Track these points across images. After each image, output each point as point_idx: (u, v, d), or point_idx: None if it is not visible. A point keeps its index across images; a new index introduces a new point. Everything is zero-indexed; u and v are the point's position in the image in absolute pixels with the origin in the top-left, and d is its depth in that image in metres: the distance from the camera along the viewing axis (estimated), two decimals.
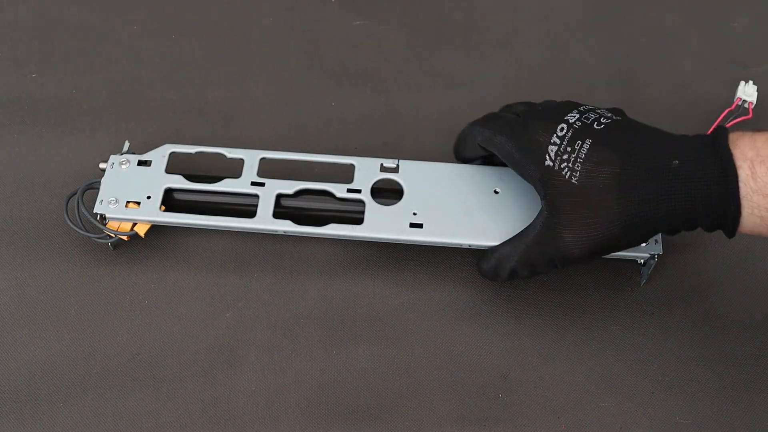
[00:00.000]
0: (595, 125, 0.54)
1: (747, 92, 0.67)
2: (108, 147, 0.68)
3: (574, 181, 0.52)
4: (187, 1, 0.77)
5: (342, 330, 0.60)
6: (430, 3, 0.77)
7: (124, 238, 0.61)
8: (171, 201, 0.62)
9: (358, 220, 0.60)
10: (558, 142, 0.53)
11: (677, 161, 0.50)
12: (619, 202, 0.51)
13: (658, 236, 0.59)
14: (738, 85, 0.67)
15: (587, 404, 0.57)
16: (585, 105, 0.56)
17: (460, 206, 0.60)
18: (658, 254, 0.59)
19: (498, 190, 0.60)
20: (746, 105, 0.67)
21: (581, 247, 0.53)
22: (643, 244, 0.58)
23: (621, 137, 0.53)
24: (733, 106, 0.67)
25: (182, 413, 0.57)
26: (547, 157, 0.53)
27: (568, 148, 0.53)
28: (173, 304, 0.61)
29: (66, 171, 0.67)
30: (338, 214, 0.61)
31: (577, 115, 0.54)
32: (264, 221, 0.60)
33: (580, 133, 0.53)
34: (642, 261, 0.60)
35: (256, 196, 0.61)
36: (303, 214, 0.61)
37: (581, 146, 0.52)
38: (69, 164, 0.67)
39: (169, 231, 0.64)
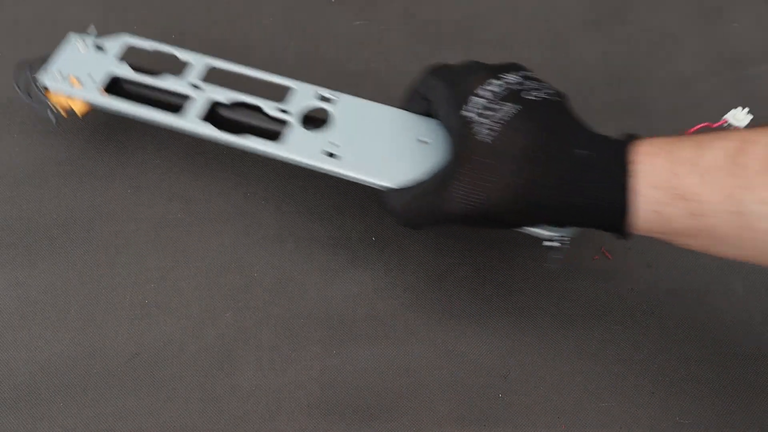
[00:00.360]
0: (531, 94, 0.52)
1: (737, 117, 0.64)
2: (109, 146, 0.68)
3: (488, 140, 0.51)
4: (187, 1, 0.77)
5: (342, 330, 0.60)
6: (430, 3, 0.77)
7: (63, 113, 0.62)
8: (117, 91, 0.63)
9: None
10: (489, 96, 0.52)
11: (585, 152, 0.49)
12: (520, 176, 0.50)
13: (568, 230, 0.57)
14: (735, 109, 0.65)
15: (587, 404, 0.57)
16: (532, 73, 0.55)
17: (383, 148, 0.59)
18: (569, 238, 0.56)
19: (428, 140, 0.60)
20: (731, 128, 0.64)
21: (465, 207, 0.51)
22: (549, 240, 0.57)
23: (548, 115, 0.52)
24: (716, 125, 0.65)
25: (182, 413, 0.57)
26: (473, 107, 0.52)
27: (495, 106, 0.52)
28: (173, 304, 0.61)
29: (66, 171, 0.67)
30: (265, 132, 0.62)
31: (519, 79, 0.53)
32: (188, 121, 0.61)
33: (513, 95, 0.52)
34: (553, 243, 0.57)
35: (191, 97, 0.62)
36: (235, 125, 0.62)
37: (509, 109, 0.51)
38: (69, 164, 0.67)
39: (170, 227, 0.64)
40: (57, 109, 0.62)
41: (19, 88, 0.62)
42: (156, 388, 0.58)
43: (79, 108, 0.62)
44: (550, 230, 0.56)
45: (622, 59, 0.74)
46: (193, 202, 0.66)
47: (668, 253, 0.63)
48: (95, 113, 0.70)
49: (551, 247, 0.57)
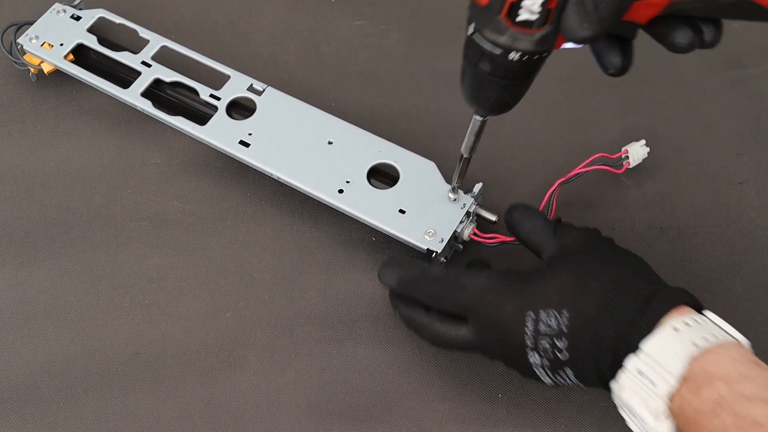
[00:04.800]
0: None
1: (636, 152, 0.63)
2: (108, 146, 0.68)
3: None
4: (188, 2, 0.77)
5: (342, 330, 0.60)
6: (430, 3, 0.77)
7: (33, 70, 0.69)
8: (82, 59, 0.70)
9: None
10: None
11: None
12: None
13: (445, 234, 0.59)
14: (638, 141, 0.64)
15: (587, 404, 0.57)
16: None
17: (292, 142, 0.63)
18: (437, 252, 0.58)
19: (335, 141, 0.63)
20: (624, 162, 0.63)
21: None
22: (427, 237, 0.58)
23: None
24: (614, 156, 0.63)
25: (182, 413, 0.57)
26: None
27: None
28: (173, 304, 0.61)
29: (65, 171, 0.67)
30: (200, 114, 0.67)
31: None
32: (130, 95, 0.66)
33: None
34: (430, 253, 0.59)
35: (139, 73, 0.67)
36: (176, 104, 0.68)
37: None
38: (69, 164, 0.67)
39: (170, 227, 0.64)
40: (26, 65, 0.69)
41: (3, 47, 0.69)
42: (156, 388, 0.58)
43: (46, 67, 0.69)
44: (418, 239, 0.58)
45: None
46: (193, 202, 0.66)
47: (666, 253, 0.63)
48: (97, 118, 0.70)
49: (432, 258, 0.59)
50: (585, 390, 0.58)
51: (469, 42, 0.45)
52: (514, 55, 0.44)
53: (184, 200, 0.66)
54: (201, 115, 0.66)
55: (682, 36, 0.44)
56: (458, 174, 0.58)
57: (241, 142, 0.63)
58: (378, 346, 0.60)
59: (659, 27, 0.44)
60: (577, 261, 0.50)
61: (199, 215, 0.65)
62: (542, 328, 0.49)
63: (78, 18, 0.70)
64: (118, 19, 0.70)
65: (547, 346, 0.49)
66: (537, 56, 0.45)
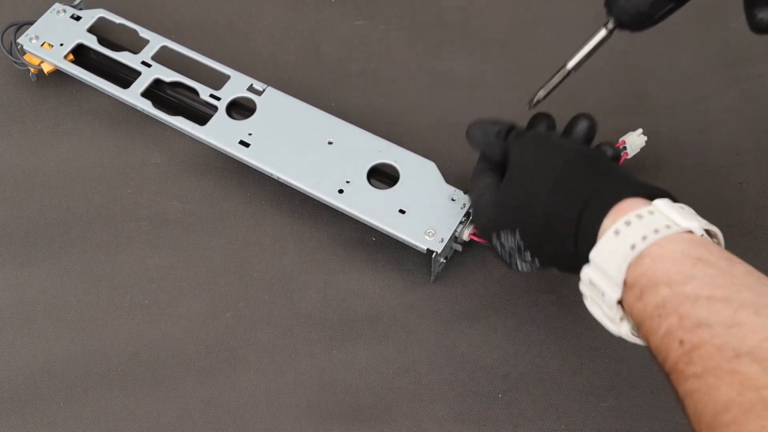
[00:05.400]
0: None
1: (633, 142, 0.62)
2: (108, 146, 0.68)
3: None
4: (188, 2, 0.77)
5: (342, 330, 0.60)
6: (430, 3, 0.77)
7: (33, 69, 0.69)
8: (82, 59, 0.70)
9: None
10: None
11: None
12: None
13: (445, 234, 0.59)
14: (635, 130, 0.63)
15: (587, 404, 0.57)
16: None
17: (292, 142, 0.63)
18: (437, 252, 0.58)
19: (334, 141, 0.63)
20: (622, 153, 0.62)
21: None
22: (427, 237, 0.58)
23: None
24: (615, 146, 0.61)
25: (182, 413, 0.57)
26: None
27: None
28: (173, 304, 0.61)
29: (65, 171, 0.67)
30: (200, 114, 0.67)
31: None
32: (130, 95, 0.66)
33: None
34: (430, 253, 0.59)
35: (139, 73, 0.67)
36: (176, 104, 0.68)
37: None
38: (68, 164, 0.67)
39: (170, 227, 0.64)
40: (26, 65, 0.69)
41: (3, 47, 0.69)
42: (156, 388, 0.58)
43: (46, 67, 0.69)
44: (417, 239, 0.58)
45: (622, 59, 0.73)
46: (193, 202, 0.66)
47: None
48: (97, 118, 0.70)
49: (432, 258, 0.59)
50: (585, 390, 0.58)
51: None
52: None
53: (184, 200, 0.66)
54: (201, 115, 0.66)
55: None
56: (549, 88, 0.58)
57: (241, 142, 0.63)
58: (378, 346, 0.60)
59: None
60: (523, 176, 0.52)
61: (199, 215, 0.65)
62: (505, 243, 0.53)
63: (78, 18, 0.70)
64: (118, 19, 0.70)
65: (516, 255, 0.52)
66: None
